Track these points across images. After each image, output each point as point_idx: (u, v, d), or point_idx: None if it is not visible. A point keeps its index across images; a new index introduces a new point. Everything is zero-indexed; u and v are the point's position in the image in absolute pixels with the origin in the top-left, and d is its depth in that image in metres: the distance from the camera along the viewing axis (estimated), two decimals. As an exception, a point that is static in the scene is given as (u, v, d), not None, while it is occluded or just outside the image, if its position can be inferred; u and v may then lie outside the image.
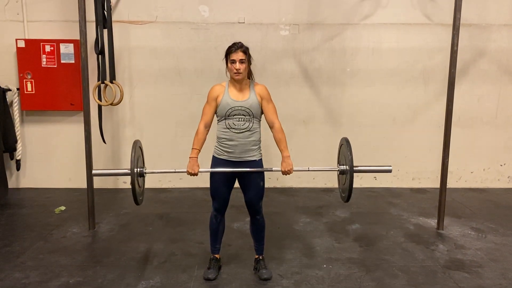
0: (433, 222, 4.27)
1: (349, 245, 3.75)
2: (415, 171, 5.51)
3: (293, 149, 5.35)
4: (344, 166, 3.07)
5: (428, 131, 5.38)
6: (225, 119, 2.99)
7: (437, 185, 4.19)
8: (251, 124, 2.99)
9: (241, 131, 2.98)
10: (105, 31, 4.60)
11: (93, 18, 4.49)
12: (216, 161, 3.08)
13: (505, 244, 3.80)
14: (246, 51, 2.98)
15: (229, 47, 2.98)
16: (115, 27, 4.82)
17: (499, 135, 5.46)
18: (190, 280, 3.12)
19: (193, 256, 3.50)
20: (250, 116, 2.98)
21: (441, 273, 3.26)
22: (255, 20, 5.14)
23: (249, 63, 3.03)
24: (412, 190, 5.42)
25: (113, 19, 4.81)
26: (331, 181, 5.48)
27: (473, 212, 4.62)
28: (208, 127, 3.06)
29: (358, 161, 5.48)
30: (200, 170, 2.98)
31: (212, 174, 3.07)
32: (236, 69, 2.93)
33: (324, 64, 5.24)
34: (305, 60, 5.24)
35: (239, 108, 2.96)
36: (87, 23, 3.89)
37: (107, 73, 4.68)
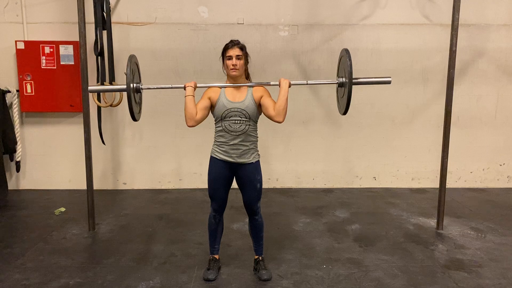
0: (432, 222, 4.27)
1: (349, 245, 3.76)
2: (414, 171, 5.51)
3: (293, 150, 5.39)
4: (343, 79, 2.98)
5: (427, 131, 5.39)
6: (221, 120, 2.98)
7: (437, 185, 4.20)
8: (247, 127, 2.98)
9: (237, 134, 2.97)
10: (105, 33, 4.61)
11: (93, 19, 4.51)
12: (214, 161, 3.07)
13: (504, 243, 3.81)
14: (243, 47, 2.99)
15: (226, 44, 3.00)
16: (115, 29, 4.83)
17: (498, 135, 5.47)
18: (190, 281, 3.12)
19: (193, 257, 3.50)
20: (246, 118, 2.97)
21: (440, 273, 3.26)
22: (254, 21, 5.15)
23: (246, 61, 3.03)
24: (412, 190, 5.43)
25: (112, 20, 4.83)
26: (331, 181, 5.49)
27: (473, 212, 4.63)
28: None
29: (357, 161, 5.51)
30: (198, 85, 2.97)
31: (210, 175, 3.08)
32: (232, 65, 2.92)
33: (323, 65, 5.25)
34: (304, 60, 5.24)
35: (235, 110, 2.95)
36: (87, 25, 3.89)
37: (107, 74, 4.69)
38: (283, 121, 2.94)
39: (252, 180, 3.05)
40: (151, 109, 5.26)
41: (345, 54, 2.94)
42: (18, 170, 5.21)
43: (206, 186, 3.15)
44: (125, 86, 2.91)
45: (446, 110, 3.96)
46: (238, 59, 2.94)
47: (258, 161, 3.10)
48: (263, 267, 3.19)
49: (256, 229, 3.21)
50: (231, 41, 3.00)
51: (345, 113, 3.04)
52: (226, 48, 2.98)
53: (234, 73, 2.94)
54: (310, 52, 5.23)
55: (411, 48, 5.25)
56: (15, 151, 5.11)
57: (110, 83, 4.67)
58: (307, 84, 3.21)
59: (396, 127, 5.41)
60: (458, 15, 3.80)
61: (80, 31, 3.80)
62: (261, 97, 2.99)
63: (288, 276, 3.20)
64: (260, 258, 3.25)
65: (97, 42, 4.58)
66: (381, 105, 5.35)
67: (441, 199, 4.06)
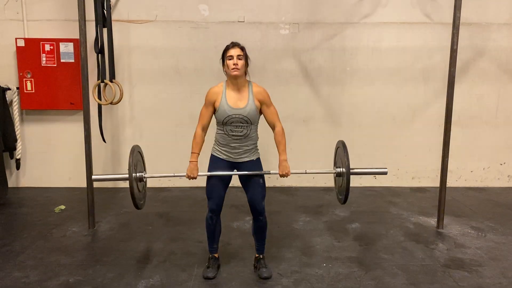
0: (433, 221, 4.27)
1: (349, 244, 3.76)
2: (415, 170, 5.51)
3: (293, 148, 5.37)
4: (341, 169, 3.11)
5: (428, 130, 5.38)
6: (223, 125, 3.01)
7: (437, 184, 4.19)
8: (248, 131, 3.02)
9: (239, 137, 3.01)
10: (105, 30, 4.60)
11: (93, 17, 4.49)
12: (214, 160, 3.10)
13: (504, 243, 3.81)
14: (243, 48, 3.01)
15: (227, 45, 3.01)
16: (115, 26, 4.81)
17: (499, 134, 5.46)
18: (190, 279, 3.12)
19: (192, 255, 3.50)
20: (247, 123, 3.00)
21: (441, 272, 3.26)
22: (255, 19, 5.14)
23: (247, 63, 3.03)
24: (412, 189, 5.42)
25: (112, 18, 4.81)
26: (331, 180, 5.44)
27: (473, 211, 4.62)
28: (205, 130, 3.09)
29: (358, 160, 5.50)
30: (199, 174, 3.06)
31: (209, 171, 3.10)
32: (233, 64, 2.92)
33: (324, 63, 5.24)
34: (305, 59, 5.23)
35: (237, 116, 2.97)
36: (87, 22, 3.89)
37: (107, 72, 4.68)
38: None
39: (255, 176, 3.08)
40: (152, 108, 5.26)
41: (341, 146, 3.10)
42: (18, 167, 5.20)
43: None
44: (126, 175, 2.95)
45: (446, 109, 3.95)
46: (239, 59, 2.95)
47: (259, 158, 3.14)
48: (264, 265, 3.19)
49: (259, 230, 3.21)
50: (232, 42, 3.02)
51: (344, 202, 3.13)
52: (226, 49, 3.00)
53: (235, 72, 2.94)
54: (311, 50, 5.22)
55: (412, 47, 5.24)
56: (15, 148, 5.10)
57: (110, 81, 4.66)
58: (306, 173, 3.31)
59: (396, 126, 5.41)
60: (460, 13, 3.79)
61: (80, 29, 3.79)
62: (262, 105, 3.05)
63: (288, 274, 3.20)
64: (261, 256, 3.25)
65: (98, 39, 4.56)
66: (381, 104, 5.34)
67: (442, 198, 4.06)
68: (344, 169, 3.03)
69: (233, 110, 2.96)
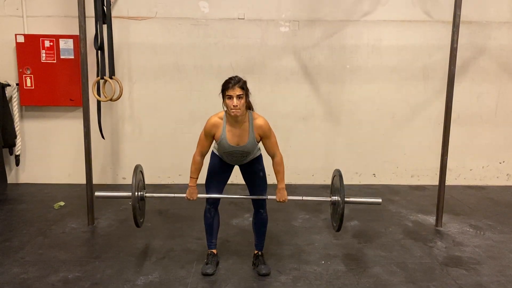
0: (431, 219, 4.27)
1: (348, 242, 3.76)
2: (414, 168, 5.51)
3: (293, 146, 5.38)
4: (336, 197, 3.18)
5: (428, 129, 5.38)
6: (223, 152, 3.06)
7: (436, 182, 4.19)
8: (247, 158, 3.09)
9: (239, 161, 3.11)
10: (105, 27, 4.59)
11: (93, 13, 4.49)
12: (215, 157, 3.16)
13: (503, 241, 3.81)
14: (243, 86, 2.85)
15: (226, 82, 2.85)
16: (115, 23, 4.81)
17: (499, 133, 5.46)
18: (189, 276, 3.12)
19: (191, 252, 3.51)
20: (247, 153, 3.05)
21: (439, 270, 3.26)
22: (255, 16, 5.13)
23: (247, 96, 2.92)
24: (411, 187, 5.43)
25: (112, 14, 4.81)
26: (330, 177, 5.46)
27: (472, 210, 4.63)
28: (204, 156, 3.11)
29: (357, 158, 5.49)
30: (198, 195, 3.13)
31: (210, 165, 3.17)
32: (233, 106, 2.80)
33: (324, 61, 5.24)
34: (305, 56, 5.23)
35: (237, 152, 3.01)
36: (87, 19, 3.88)
37: (107, 68, 4.68)
38: None
39: (255, 170, 3.16)
40: (151, 105, 5.26)
41: (337, 175, 3.18)
42: (17, 164, 5.21)
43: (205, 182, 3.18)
44: (129, 194, 3.11)
45: (446, 107, 3.95)
46: (239, 98, 2.81)
47: (260, 154, 3.19)
48: (262, 262, 3.20)
49: (260, 224, 3.25)
50: (231, 79, 2.85)
51: (338, 230, 3.21)
52: (225, 88, 2.83)
53: (235, 113, 2.83)
54: (311, 48, 5.22)
55: (412, 45, 5.23)
56: (14, 145, 5.10)
57: (110, 78, 4.66)
58: (302, 199, 3.46)
59: (396, 124, 5.41)
60: (460, 12, 3.79)
61: (80, 25, 3.79)
62: (262, 138, 3.02)
63: (287, 271, 3.21)
64: (260, 253, 3.26)
65: (97, 36, 4.56)
66: (381, 102, 5.34)
67: (440, 196, 4.06)
68: (339, 198, 3.10)
69: (232, 147, 2.98)
